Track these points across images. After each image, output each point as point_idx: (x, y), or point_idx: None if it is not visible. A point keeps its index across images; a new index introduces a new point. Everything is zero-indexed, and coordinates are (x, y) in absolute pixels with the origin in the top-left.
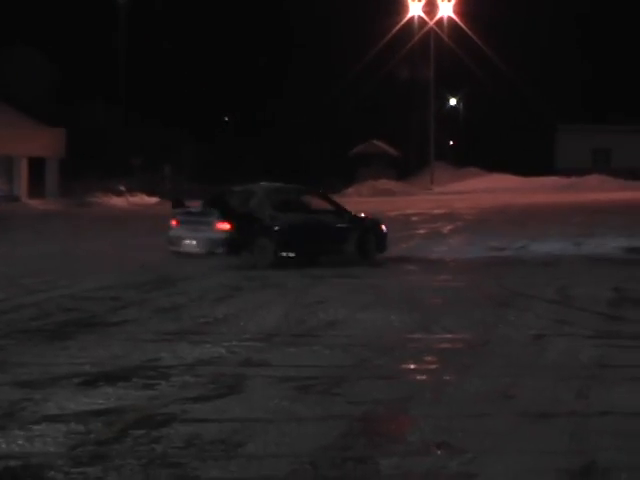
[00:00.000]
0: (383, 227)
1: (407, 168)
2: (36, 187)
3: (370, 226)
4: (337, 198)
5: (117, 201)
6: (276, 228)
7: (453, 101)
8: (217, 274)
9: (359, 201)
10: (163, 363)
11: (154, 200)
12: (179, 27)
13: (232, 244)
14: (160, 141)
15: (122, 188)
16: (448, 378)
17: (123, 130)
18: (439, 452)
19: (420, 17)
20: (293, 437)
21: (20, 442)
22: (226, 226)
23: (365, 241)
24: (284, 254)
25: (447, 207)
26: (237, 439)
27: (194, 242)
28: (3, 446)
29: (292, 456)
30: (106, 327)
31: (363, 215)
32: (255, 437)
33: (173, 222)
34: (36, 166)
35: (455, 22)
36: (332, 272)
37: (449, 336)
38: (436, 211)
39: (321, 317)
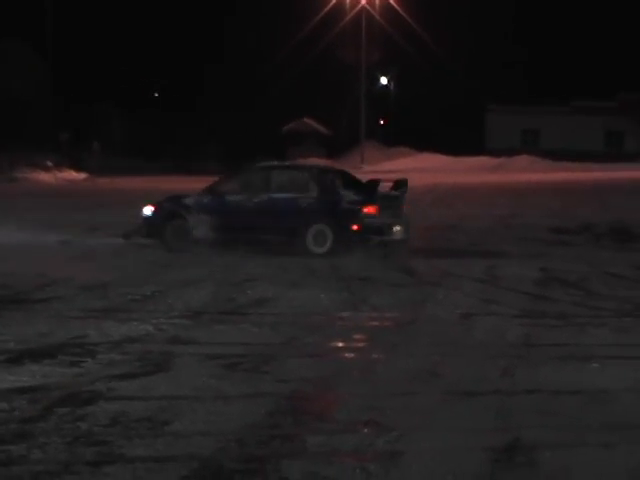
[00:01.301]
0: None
1: (338, 147)
2: None
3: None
4: None
5: (44, 177)
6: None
7: (384, 80)
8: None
9: None
10: (89, 340)
11: (82, 176)
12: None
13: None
14: (88, 115)
15: (49, 163)
16: (376, 356)
17: (50, 102)
18: (366, 430)
19: None
20: (220, 415)
21: None
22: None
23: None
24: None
25: None
26: (164, 417)
27: None
28: None
29: (219, 434)
30: (32, 304)
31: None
32: (182, 415)
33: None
34: None
35: (387, 1)
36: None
37: (376, 314)
38: None
39: (249, 295)
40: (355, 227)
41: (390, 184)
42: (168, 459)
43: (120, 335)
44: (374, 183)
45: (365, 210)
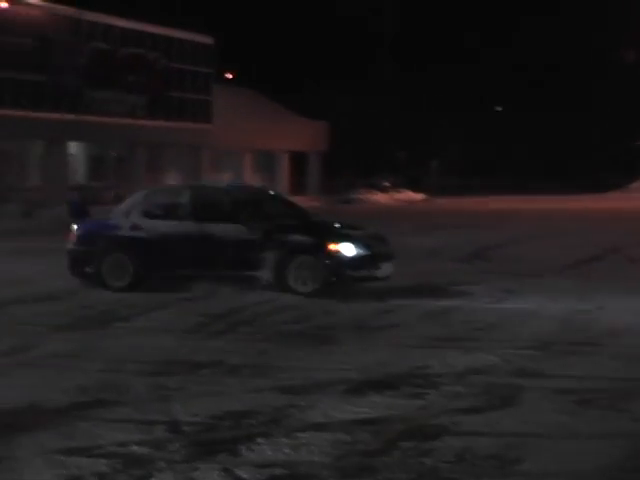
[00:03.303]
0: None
1: None
2: (297, 183)
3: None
4: (620, 194)
5: (381, 197)
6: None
7: None
8: (491, 278)
9: None
10: (432, 371)
11: (420, 197)
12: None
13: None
14: (427, 133)
15: (386, 184)
16: None
17: (387, 123)
18: None
19: None
20: (572, 455)
21: (286, 450)
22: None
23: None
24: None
25: None
26: (512, 455)
27: None
28: (269, 453)
29: (571, 476)
30: (370, 331)
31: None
32: (531, 453)
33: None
34: (297, 161)
35: None
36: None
37: None
38: None
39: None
40: None
41: None
42: None
43: (464, 366)
44: None
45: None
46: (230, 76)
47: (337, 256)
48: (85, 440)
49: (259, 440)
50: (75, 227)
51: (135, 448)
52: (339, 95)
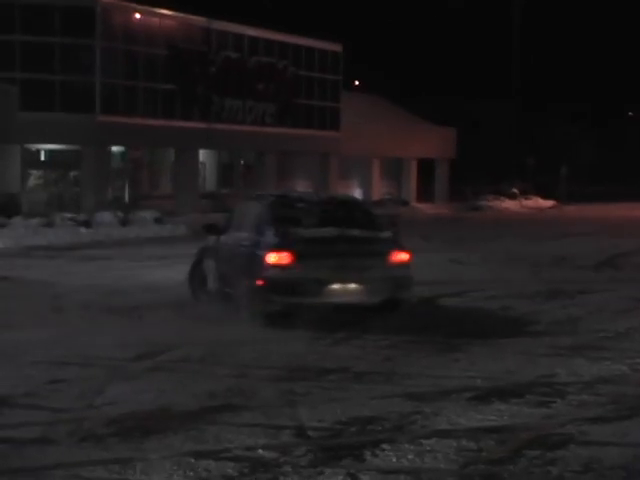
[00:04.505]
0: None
1: None
2: (425, 190)
3: None
4: None
5: (509, 204)
6: None
7: None
8: (621, 286)
9: None
10: (558, 380)
11: (549, 203)
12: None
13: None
14: (557, 138)
15: (515, 190)
16: None
17: (515, 129)
18: None
19: None
20: None
21: (410, 457)
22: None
23: None
24: None
25: None
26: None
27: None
28: (393, 459)
29: None
30: (498, 339)
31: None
32: None
33: None
34: (424, 168)
35: None
36: None
37: None
38: None
39: None
40: None
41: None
42: None
43: (591, 375)
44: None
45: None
46: (358, 83)
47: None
48: (213, 443)
49: (384, 446)
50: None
51: (262, 452)
52: (467, 101)
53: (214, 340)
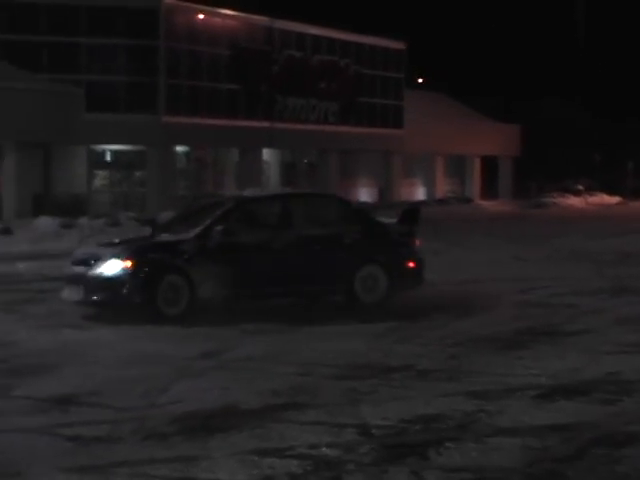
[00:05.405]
0: None
1: None
2: (488, 187)
3: None
4: None
5: (574, 201)
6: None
7: None
8: None
9: None
10: (624, 377)
11: (615, 200)
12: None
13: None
14: (622, 135)
15: (580, 187)
16: None
17: (580, 126)
18: None
19: None
20: None
21: (474, 455)
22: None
23: None
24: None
25: None
26: None
27: None
28: (457, 458)
29: None
30: (562, 337)
31: None
32: None
33: None
34: (488, 165)
35: None
36: None
37: None
38: None
39: None
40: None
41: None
42: None
43: None
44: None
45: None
46: (421, 81)
47: None
48: (277, 441)
49: (448, 444)
50: None
51: (326, 450)
52: (531, 98)
53: (278, 338)
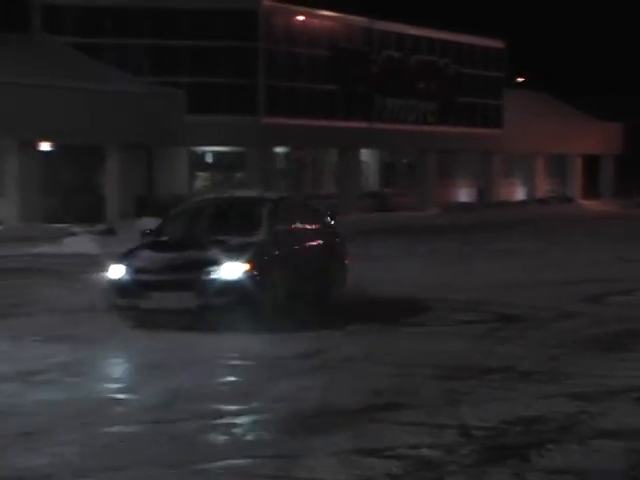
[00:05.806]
0: None
1: None
2: (590, 187)
3: None
4: None
5: None
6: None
7: None
8: None
9: None
10: None
11: None
12: None
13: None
14: None
15: None
16: None
17: None
18: None
19: None
20: None
21: (576, 457)
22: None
23: None
24: None
25: None
26: None
27: None
28: (559, 460)
29: None
30: None
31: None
32: None
33: None
34: (589, 165)
35: None
36: None
37: None
38: None
39: None
40: None
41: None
42: None
43: None
44: None
45: None
46: (521, 80)
47: None
48: (378, 442)
49: (549, 446)
50: None
51: (426, 451)
52: (633, 95)
53: (378, 339)
